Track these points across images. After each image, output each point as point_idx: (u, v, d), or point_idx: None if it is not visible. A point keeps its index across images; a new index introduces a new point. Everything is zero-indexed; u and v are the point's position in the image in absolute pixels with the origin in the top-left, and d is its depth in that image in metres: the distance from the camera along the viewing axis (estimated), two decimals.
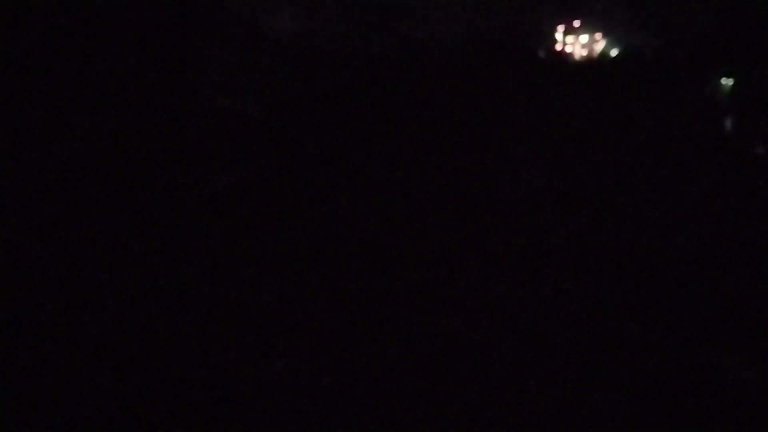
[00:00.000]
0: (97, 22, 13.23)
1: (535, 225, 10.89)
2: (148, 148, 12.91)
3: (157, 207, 10.56)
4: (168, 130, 13.61)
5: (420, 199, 11.79)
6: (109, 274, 7.11)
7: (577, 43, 25.48)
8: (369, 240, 9.16)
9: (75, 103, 12.31)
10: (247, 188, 12.03)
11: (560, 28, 25.82)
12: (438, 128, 15.75)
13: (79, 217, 9.21)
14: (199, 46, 15.56)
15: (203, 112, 14.43)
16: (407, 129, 15.27)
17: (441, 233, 10.07)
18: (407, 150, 14.61)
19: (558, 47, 25.48)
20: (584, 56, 25.07)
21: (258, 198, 11.46)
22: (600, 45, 25.31)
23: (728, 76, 21.66)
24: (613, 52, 25.75)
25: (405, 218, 10.44)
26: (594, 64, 23.82)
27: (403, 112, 15.57)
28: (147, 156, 12.57)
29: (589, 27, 26.48)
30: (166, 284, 7.02)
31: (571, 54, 25.29)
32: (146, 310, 6.26)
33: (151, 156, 12.67)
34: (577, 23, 25.94)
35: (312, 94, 15.49)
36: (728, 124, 20.52)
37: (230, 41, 16.05)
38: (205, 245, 8.59)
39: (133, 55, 13.51)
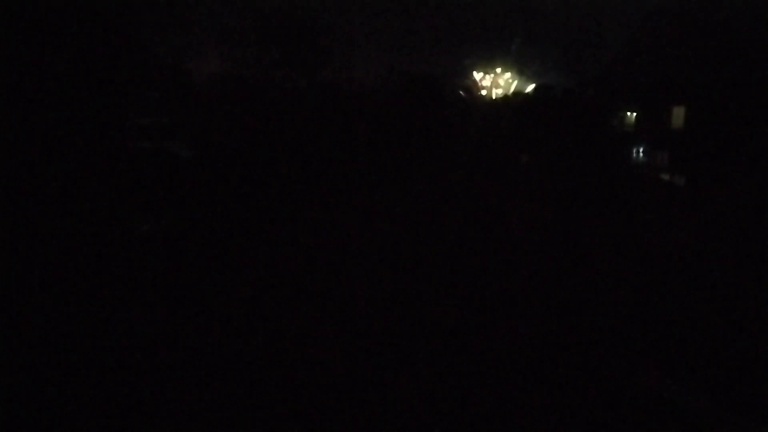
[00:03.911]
0: (24, 64, 12.89)
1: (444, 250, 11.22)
2: (76, 191, 12.56)
3: (84, 250, 10.29)
4: (95, 174, 13.30)
5: (343, 238, 11.93)
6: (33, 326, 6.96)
7: (493, 82, 26.79)
8: (298, 278, 9.25)
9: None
10: (173, 231, 11.86)
11: (478, 68, 27.08)
12: (362, 165, 16.13)
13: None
14: (124, 89, 15.38)
15: (130, 155, 14.26)
16: (332, 167, 15.58)
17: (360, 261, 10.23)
18: (332, 188, 14.88)
19: (476, 86, 26.68)
20: (500, 94, 26.36)
21: (184, 241, 11.30)
22: (514, 84, 26.69)
23: (631, 110, 23.17)
24: (527, 90, 27.13)
25: (334, 255, 10.55)
26: (509, 100, 25.03)
27: (327, 152, 15.89)
28: (74, 198, 12.22)
29: (504, 67, 27.83)
30: (91, 331, 6.92)
31: (488, 92, 26.54)
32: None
33: (79, 199, 12.32)
34: (493, 64, 27.26)
35: (237, 135, 15.63)
36: (634, 152, 21.84)
37: (156, 84, 16.05)
38: (131, 289, 8.40)
39: (58, 100, 13.24)
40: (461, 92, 23.42)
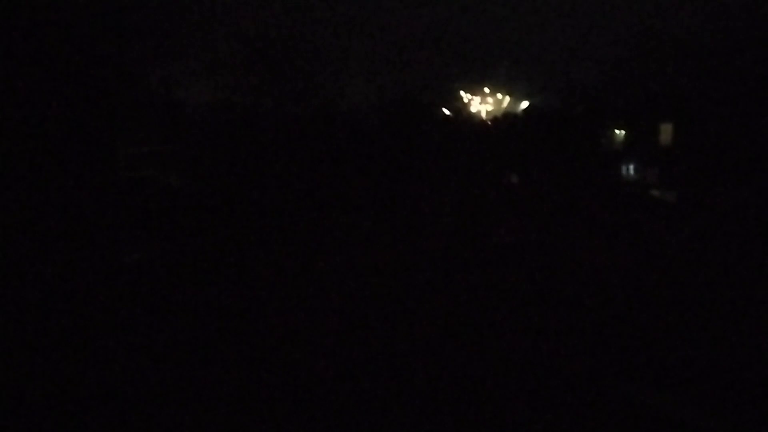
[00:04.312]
0: (17, 94, 12.96)
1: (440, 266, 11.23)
2: (66, 219, 12.57)
3: (73, 278, 10.26)
4: (86, 203, 13.31)
5: (338, 263, 11.92)
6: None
7: (484, 104, 27.01)
8: (283, 308, 9.22)
9: None
10: (161, 261, 11.81)
11: (467, 90, 27.28)
12: (357, 189, 16.18)
13: None
14: (114, 119, 15.45)
15: (120, 184, 14.29)
16: (327, 194, 15.62)
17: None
18: (327, 216, 14.91)
19: (466, 108, 26.86)
20: (491, 115, 26.55)
21: (174, 270, 11.24)
22: (505, 104, 26.89)
23: (620, 128, 23.36)
24: (518, 110, 27.29)
25: (320, 284, 10.52)
26: (500, 121, 25.20)
27: (321, 178, 15.95)
28: (64, 228, 12.22)
29: (494, 88, 28.06)
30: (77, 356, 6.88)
31: (478, 113, 26.74)
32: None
33: (69, 228, 12.32)
34: (483, 85, 27.47)
35: (231, 163, 15.68)
36: (624, 169, 21.98)
37: (146, 113, 16.14)
38: (116, 319, 8.33)
39: (50, 130, 13.27)
40: (448, 113, 23.57)
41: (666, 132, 21.39)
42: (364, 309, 8.83)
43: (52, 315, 8.33)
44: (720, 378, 6.28)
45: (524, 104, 26.17)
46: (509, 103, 27.45)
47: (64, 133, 13.79)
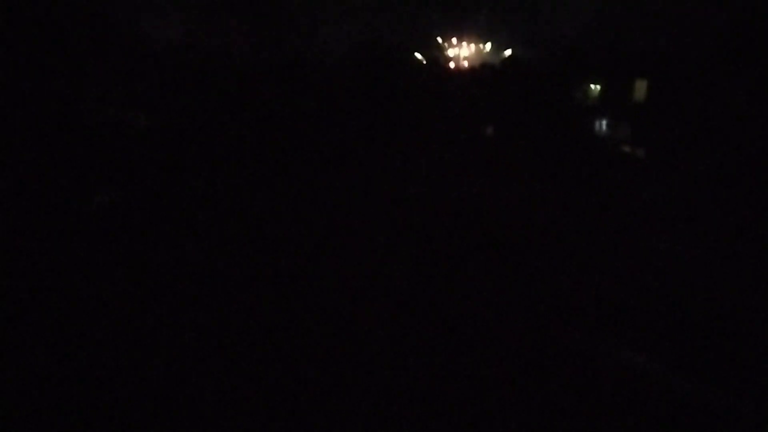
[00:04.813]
0: None
1: (417, 224, 11.26)
2: (31, 162, 12.36)
3: (39, 222, 10.16)
4: (54, 143, 13.08)
5: (307, 211, 11.90)
6: None
7: (462, 53, 26.59)
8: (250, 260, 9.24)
9: None
10: (131, 203, 11.72)
11: (445, 39, 26.78)
12: (326, 135, 16.05)
13: None
14: (83, 57, 15.00)
15: (85, 124, 14.01)
16: (296, 138, 15.46)
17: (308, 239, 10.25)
18: (296, 158, 14.82)
19: (443, 55, 26.40)
20: (468, 64, 26.19)
21: (139, 214, 11.17)
22: (483, 54, 26.52)
23: (595, 83, 23.29)
24: (497, 60, 26.94)
25: (287, 228, 10.53)
26: (477, 71, 24.91)
27: (291, 122, 15.75)
28: (29, 170, 12.03)
29: (473, 38, 27.59)
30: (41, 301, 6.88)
31: (456, 62, 26.35)
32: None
33: (34, 171, 12.14)
34: (461, 34, 27.00)
35: (200, 104, 15.39)
36: (597, 125, 22.04)
37: (115, 52, 15.67)
38: (84, 263, 8.30)
39: (10, 69, 12.88)
40: (423, 61, 23.25)
41: (640, 88, 21.41)
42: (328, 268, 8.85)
43: (14, 260, 8.25)
44: (706, 342, 6.34)
45: (507, 52, 25.86)
46: (488, 53, 27.07)
47: (28, 70, 13.38)
